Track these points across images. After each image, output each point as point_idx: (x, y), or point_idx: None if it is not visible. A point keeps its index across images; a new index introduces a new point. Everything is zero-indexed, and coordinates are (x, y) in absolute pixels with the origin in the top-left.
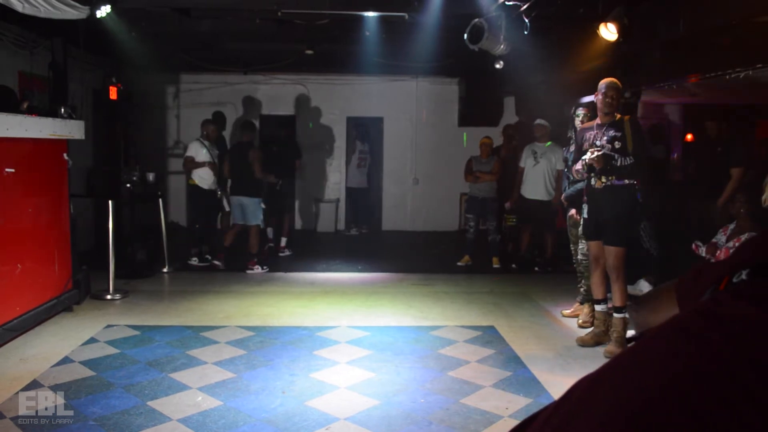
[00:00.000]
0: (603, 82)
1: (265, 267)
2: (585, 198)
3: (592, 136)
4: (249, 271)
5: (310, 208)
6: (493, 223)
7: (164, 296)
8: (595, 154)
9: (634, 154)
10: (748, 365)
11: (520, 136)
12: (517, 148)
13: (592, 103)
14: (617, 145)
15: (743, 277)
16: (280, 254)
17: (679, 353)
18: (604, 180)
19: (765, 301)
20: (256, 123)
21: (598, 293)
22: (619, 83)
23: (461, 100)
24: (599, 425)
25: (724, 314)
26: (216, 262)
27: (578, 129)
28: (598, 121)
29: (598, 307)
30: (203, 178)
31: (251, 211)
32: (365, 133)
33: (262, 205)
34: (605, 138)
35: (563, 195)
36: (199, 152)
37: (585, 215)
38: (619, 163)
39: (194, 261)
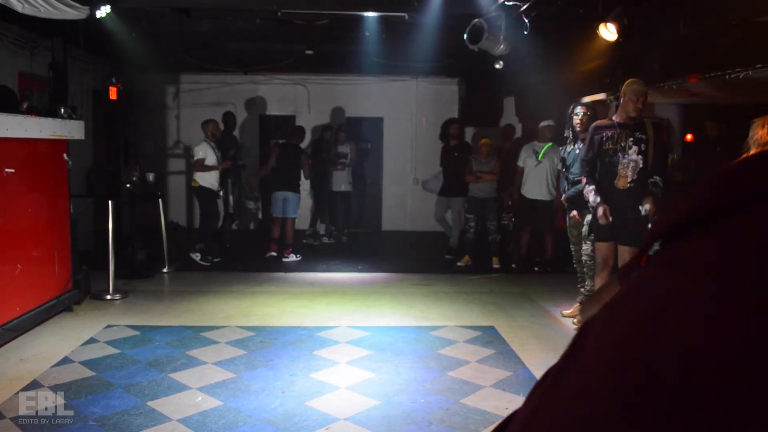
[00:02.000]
0: (636, 87)
1: (299, 255)
2: (599, 199)
3: (615, 135)
4: (285, 259)
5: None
6: (493, 223)
7: (164, 296)
8: (646, 206)
9: (656, 160)
10: (682, 338)
11: (521, 135)
12: (512, 148)
13: (591, 102)
14: (642, 147)
15: (656, 247)
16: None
17: (609, 340)
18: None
19: (672, 263)
20: (257, 123)
21: None
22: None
23: (461, 100)
24: (560, 421)
25: (638, 289)
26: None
27: (579, 127)
28: (617, 119)
29: None
30: (207, 178)
31: (293, 205)
32: (339, 133)
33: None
34: (631, 139)
35: (563, 196)
36: (209, 153)
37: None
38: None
39: (197, 256)
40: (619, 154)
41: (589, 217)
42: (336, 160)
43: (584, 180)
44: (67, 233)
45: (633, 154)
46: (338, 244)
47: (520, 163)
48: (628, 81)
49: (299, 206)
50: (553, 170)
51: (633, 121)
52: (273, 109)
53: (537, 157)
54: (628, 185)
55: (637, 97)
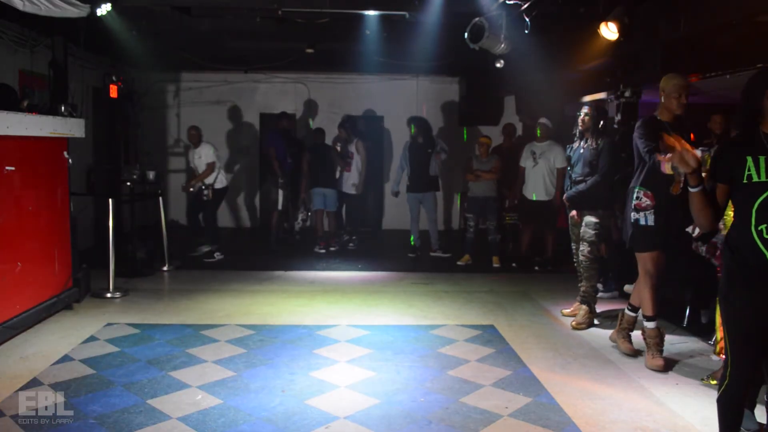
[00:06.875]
0: (676, 82)
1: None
2: (654, 204)
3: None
4: (321, 250)
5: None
6: (493, 222)
7: (164, 294)
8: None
9: None
10: None
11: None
12: (513, 147)
13: (597, 101)
14: None
15: None
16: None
17: None
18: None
19: None
20: (257, 122)
21: (653, 308)
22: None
23: (462, 99)
24: None
25: None
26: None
27: (581, 126)
28: (663, 119)
29: (652, 324)
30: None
31: (332, 200)
32: (341, 130)
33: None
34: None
35: (564, 196)
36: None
37: (652, 223)
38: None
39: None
40: None
41: (589, 219)
42: (341, 160)
43: (663, 166)
44: (67, 231)
45: None
46: (344, 247)
47: (522, 164)
48: (667, 76)
49: (338, 200)
50: (550, 170)
51: (678, 120)
52: (273, 108)
53: (534, 158)
54: (681, 190)
55: (679, 92)
